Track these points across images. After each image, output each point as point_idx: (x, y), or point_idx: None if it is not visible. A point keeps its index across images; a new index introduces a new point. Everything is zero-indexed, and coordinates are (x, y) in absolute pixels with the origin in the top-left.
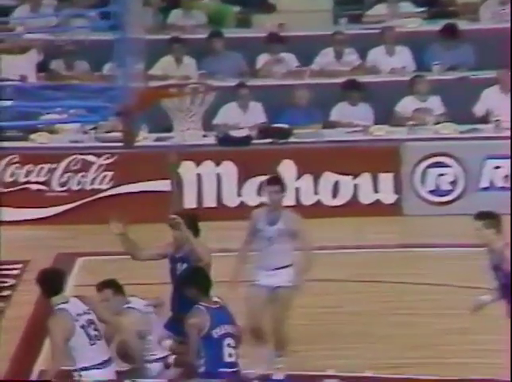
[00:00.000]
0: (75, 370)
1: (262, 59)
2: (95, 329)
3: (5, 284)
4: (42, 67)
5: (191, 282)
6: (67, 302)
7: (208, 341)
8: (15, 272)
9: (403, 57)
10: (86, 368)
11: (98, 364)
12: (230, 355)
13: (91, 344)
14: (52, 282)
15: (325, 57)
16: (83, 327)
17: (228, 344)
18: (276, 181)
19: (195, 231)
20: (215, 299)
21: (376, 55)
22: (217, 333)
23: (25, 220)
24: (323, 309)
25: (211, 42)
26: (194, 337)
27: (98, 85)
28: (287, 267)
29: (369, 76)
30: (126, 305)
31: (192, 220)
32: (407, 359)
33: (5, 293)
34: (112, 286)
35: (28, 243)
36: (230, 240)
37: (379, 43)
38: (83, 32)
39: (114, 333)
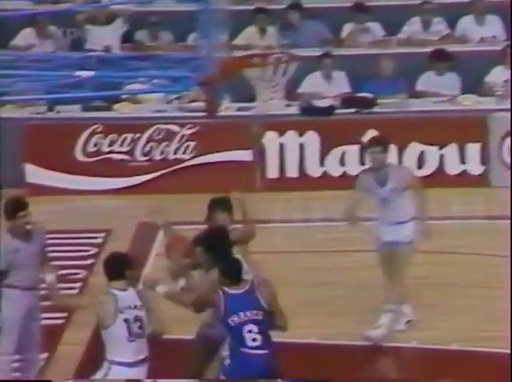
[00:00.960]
0: (107, 360)
1: (348, 28)
2: (140, 327)
3: (88, 253)
4: (127, 37)
5: (217, 266)
6: (123, 290)
7: (226, 327)
8: (98, 241)
9: (493, 27)
10: (116, 363)
11: (132, 363)
12: (253, 339)
13: (129, 341)
14: (115, 266)
15: (412, 26)
16: (126, 321)
17: (249, 331)
18: (378, 141)
19: (231, 213)
20: (245, 280)
21: (465, 24)
22: (234, 321)
23: (108, 190)
24: (408, 280)
25: (288, 13)
26: (188, 299)
27: (182, 55)
28: (407, 221)
29: (457, 45)
30: None
31: (227, 202)
32: (490, 332)
33: (88, 262)
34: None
35: (110, 212)
36: (312, 210)
37: (468, 12)
38: (167, 3)
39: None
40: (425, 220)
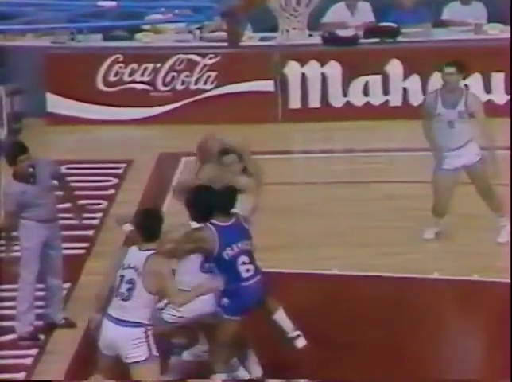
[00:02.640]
0: None
1: None
2: (129, 290)
3: (109, 183)
4: None
5: (202, 201)
6: (141, 250)
7: (221, 262)
8: (119, 171)
9: None
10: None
11: (110, 316)
12: (247, 270)
13: (114, 296)
14: (149, 229)
15: None
16: (120, 276)
17: (243, 262)
18: (453, 63)
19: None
20: (232, 214)
21: None
22: (228, 254)
23: (129, 120)
24: (429, 212)
25: None
26: (183, 250)
27: None
28: (469, 142)
29: None
30: None
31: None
32: None
33: (109, 192)
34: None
35: (132, 142)
36: (335, 141)
37: None
38: None
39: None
40: (492, 149)
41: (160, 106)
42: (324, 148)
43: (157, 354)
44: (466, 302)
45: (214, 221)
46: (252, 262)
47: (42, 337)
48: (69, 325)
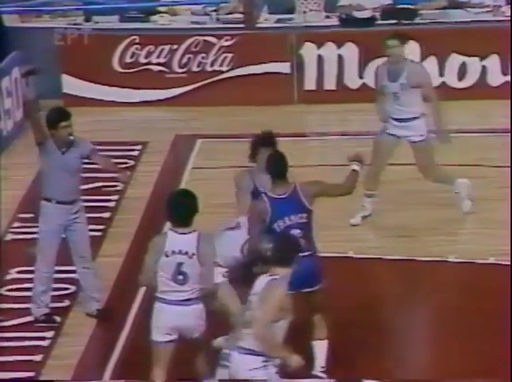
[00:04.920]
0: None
1: None
2: (180, 273)
3: (125, 165)
4: None
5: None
6: (179, 233)
7: (271, 233)
8: (134, 153)
9: None
10: (157, 298)
11: (173, 300)
12: None
13: (172, 281)
14: (173, 212)
15: None
16: (178, 265)
17: None
18: (395, 35)
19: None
20: (287, 186)
21: None
22: (279, 226)
23: (145, 102)
24: (444, 194)
25: None
26: (253, 227)
27: None
28: (416, 118)
29: None
30: None
31: (271, 138)
32: None
33: None
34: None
35: (147, 124)
36: (350, 123)
37: None
38: None
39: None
40: (439, 120)
41: (176, 87)
42: (340, 130)
43: None
44: (482, 285)
45: (269, 193)
46: (305, 236)
47: (58, 319)
48: (104, 316)
